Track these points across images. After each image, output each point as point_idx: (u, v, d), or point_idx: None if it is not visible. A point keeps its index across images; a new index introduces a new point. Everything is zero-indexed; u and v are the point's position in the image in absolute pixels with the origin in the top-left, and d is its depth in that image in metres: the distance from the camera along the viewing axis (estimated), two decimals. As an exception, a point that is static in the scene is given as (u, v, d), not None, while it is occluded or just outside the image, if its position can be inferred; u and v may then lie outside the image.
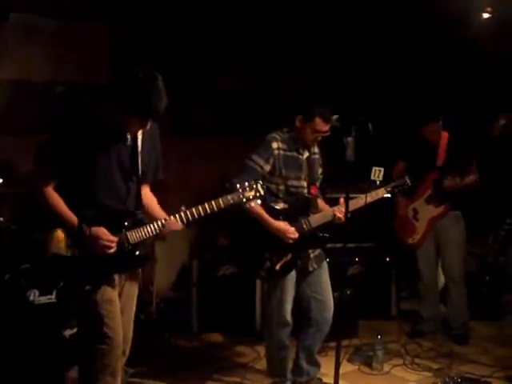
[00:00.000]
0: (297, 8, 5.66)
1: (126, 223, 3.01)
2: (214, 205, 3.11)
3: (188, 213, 3.07)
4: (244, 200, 3.18)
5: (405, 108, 6.02)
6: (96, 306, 2.93)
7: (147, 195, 3.24)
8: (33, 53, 5.14)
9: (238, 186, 3.19)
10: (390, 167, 5.08)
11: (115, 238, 2.94)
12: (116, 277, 3.03)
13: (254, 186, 3.20)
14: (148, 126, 2.96)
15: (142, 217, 3.09)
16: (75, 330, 3.78)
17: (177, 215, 3.06)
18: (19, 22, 5.08)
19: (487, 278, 5.52)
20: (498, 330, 5.29)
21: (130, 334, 3.19)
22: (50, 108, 5.01)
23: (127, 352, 3.19)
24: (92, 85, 5.23)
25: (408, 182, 4.14)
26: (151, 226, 3.03)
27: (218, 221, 4.46)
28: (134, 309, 3.24)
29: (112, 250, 2.93)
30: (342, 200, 3.79)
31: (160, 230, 3.05)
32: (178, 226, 3.07)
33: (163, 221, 3.05)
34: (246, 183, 3.20)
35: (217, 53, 5.81)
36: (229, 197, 3.15)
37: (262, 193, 3.23)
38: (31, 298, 3.74)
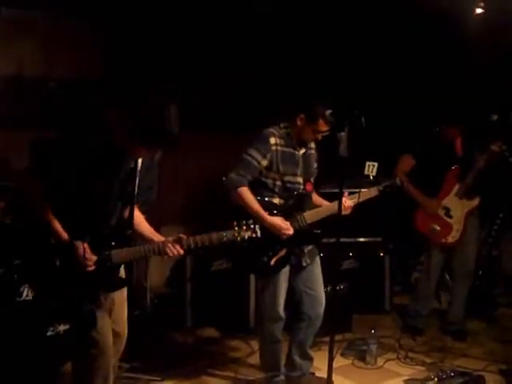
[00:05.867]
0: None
1: (113, 242, 2.96)
2: (206, 239, 3.08)
3: (185, 241, 3.03)
4: (239, 239, 3.14)
5: (411, 106, 6.04)
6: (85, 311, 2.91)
7: (136, 215, 3.16)
8: (25, 48, 5.12)
9: (234, 223, 3.16)
10: (395, 160, 5.04)
11: (94, 257, 2.89)
12: (102, 297, 2.99)
13: (252, 227, 3.16)
14: (159, 154, 2.92)
15: (130, 236, 3.02)
16: (68, 325, 3.79)
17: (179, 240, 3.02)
18: (11, 17, 5.06)
19: (480, 271, 5.53)
20: (490, 323, 5.32)
21: (125, 332, 3.19)
22: (43, 103, 5.00)
23: (121, 350, 3.19)
24: (85, 81, 5.22)
25: (398, 183, 4.17)
26: (140, 248, 2.99)
27: (212, 215, 4.48)
28: (126, 308, 3.22)
29: (90, 269, 2.88)
30: (346, 193, 3.87)
31: (158, 252, 3.00)
32: (179, 253, 3.02)
33: (160, 245, 2.99)
34: (244, 221, 3.16)
35: (208, 48, 5.79)
36: (223, 234, 3.12)
37: (259, 235, 3.18)
38: (24, 293, 3.73)
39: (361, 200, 3.91)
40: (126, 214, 3.06)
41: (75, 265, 2.86)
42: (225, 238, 3.11)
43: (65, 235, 2.85)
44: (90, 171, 2.85)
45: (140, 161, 3.00)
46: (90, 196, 2.90)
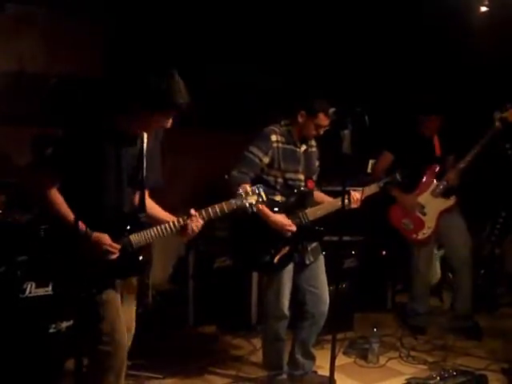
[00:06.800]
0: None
1: (128, 227, 2.98)
2: (217, 209, 3.09)
3: (198, 214, 3.04)
4: (247, 205, 3.15)
5: (396, 100, 6.04)
6: (100, 308, 2.90)
7: (147, 201, 3.17)
8: (27, 44, 5.12)
9: (240, 190, 3.17)
10: (376, 158, 5.06)
11: (118, 245, 2.91)
12: (118, 281, 3.01)
13: (257, 191, 3.17)
14: (170, 124, 2.92)
15: (145, 220, 3.04)
16: (71, 322, 3.79)
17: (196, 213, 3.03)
18: (15, 13, 5.06)
19: (482, 270, 5.53)
20: (492, 322, 5.32)
21: (133, 331, 3.17)
22: (44, 99, 5.00)
23: (129, 346, 3.15)
24: (86, 77, 5.21)
25: (399, 179, 4.18)
26: (157, 228, 3.00)
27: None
28: (135, 305, 3.22)
29: (114, 256, 2.90)
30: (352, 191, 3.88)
31: (177, 229, 3.01)
32: (198, 226, 3.02)
33: (182, 220, 3.00)
34: (248, 187, 3.18)
35: (208, 42, 5.77)
36: (232, 201, 3.12)
37: (265, 198, 3.20)
38: (28, 290, 3.73)
39: (364, 196, 3.94)
40: (137, 198, 3.06)
41: (99, 255, 2.87)
42: (235, 206, 3.12)
43: (83, 227, 2.82)
44: (96, 160, 2.86)
45: (145, 143, 3.00)
46: (99, 184, 2.91)
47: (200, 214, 3.05)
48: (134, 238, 2.97)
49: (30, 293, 3.73)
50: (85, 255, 2.81)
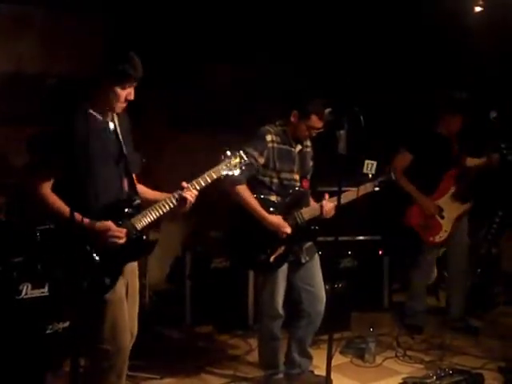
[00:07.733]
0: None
1: (126, 211, 3.00)
2: (207, 177, 3.15)
3: (190, 185, 3.10)
4: (233, 167, 3.23)
5: (406, 98, 6.03)
6: (103, 306, 2.92)
7: (138, 185, 3.22)
8: (25, 45, 5.12)
9: (222, 156, 3.23)
10: (391, 156, 5.01)
11: (124, 230, 2.93)
12: (125, 267, 3.03)
13: (237, 153, 3.26)
14: (132, 95, 2.97)
15: (139, 202, 3.07)
16: (67, 323, 3.80)
17: (189, 184, 3.09)
18: (11, 14, 5.06)
19: (479, 269, 5.53)
20: (489, 321, 5.32)
21: (136, 329, 3.18)
22: (42, 100, 5.00)
23: (130, 348, 3.17)
24: (84, 77, 5.20)
25: (393, 178, 4.17)
26: (155, 207, 3.03)
27: (211, 212, 4.48)
28: (138, 304, 3.22)
29: (122, 241, 2.93)
30: (327, 196, 3.87)
31: (174, 204, 3.06)
32: (192, 196, 3.08)
33: (177, 194, 3.05)
34: (229, 152, 3.25)
35: (207, 42, 5.78)
36: (219, 166, 3.19)
37: (247, 159, 3.30)
38: (24, 291, 3.74)
39: (358, 195, 3.92)
40: (127, 182, 3.09)
41: (107, 243, 2.90)
42: (223, 171, 3.21)
43: (86, 220, 2.85)
44: (81, 149, 2.88)
45: (117, 126, 3.05)
46: (88, 173, 2.93)
47: (192, 184, 3.11)
48: (136, 220, 2.99)
49: (26, 294, 3.74)
50: (93, 246, 2.86)
